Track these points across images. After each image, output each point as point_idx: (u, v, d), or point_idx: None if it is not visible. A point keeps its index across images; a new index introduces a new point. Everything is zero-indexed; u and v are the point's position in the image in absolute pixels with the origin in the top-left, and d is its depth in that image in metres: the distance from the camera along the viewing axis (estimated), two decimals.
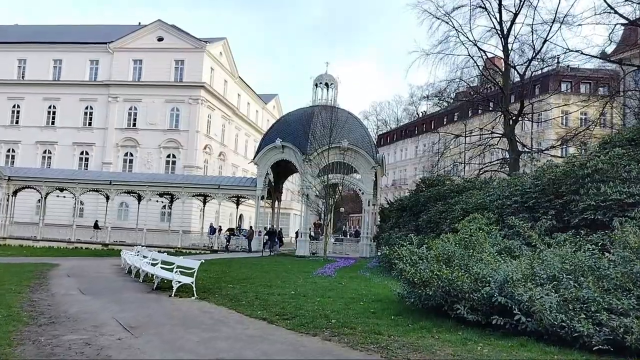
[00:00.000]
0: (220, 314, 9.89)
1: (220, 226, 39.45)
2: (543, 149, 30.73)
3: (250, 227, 39.03)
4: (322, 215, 33.09)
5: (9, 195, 40.62)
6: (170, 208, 44.04)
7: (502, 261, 10.01)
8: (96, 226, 41.11)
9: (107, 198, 39.90)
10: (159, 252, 35.91)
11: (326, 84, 38.45)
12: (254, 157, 37.61)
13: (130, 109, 53.93)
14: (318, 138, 32.51)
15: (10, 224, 41.50)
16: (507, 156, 30.19)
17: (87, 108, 54.95)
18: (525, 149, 30.14)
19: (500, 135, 30.24)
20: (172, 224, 43.35)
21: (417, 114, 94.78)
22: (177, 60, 53.77)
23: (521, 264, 9.16)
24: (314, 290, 13.30)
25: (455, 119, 65.47)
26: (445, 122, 73.17)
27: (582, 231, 11.48)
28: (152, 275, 13.81)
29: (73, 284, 14.04)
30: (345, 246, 38.24)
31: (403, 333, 8.31)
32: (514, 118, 29.47)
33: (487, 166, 29.67)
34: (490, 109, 32.22)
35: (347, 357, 6.96)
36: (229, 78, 60.35)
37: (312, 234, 40.29)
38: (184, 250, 36.36)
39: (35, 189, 40.85)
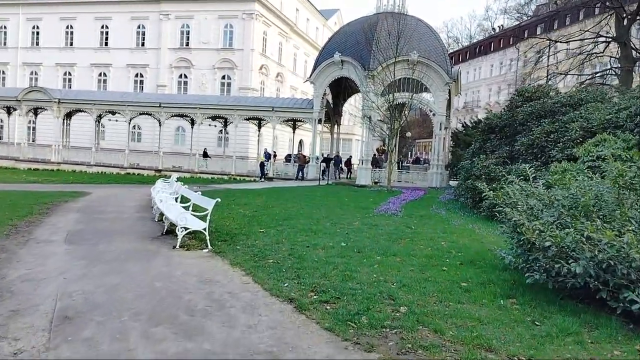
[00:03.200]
0: (226, 287, 6.47)
1: (274, 152, 36.29)
2: None
3: (300, 152, 35.56)
4: (387, 140, 29.01)
5: (61, 119, 39.18)
6: (226, 132, 41.30)
7: None
8: (205, 154, 38.78)
9: (159, 122, 37.49)
10: (212, 179, 34.27)
11: None
12: (310, 74, 33.47)
13: (183, 26, 50.49)
14: (382, 50, 27.79)
15: (66, 148, 40.38)
16: (616, 66, 24.42)
17: (139, 27, 52.05)
18: None
19: (610, 40, 24.33)
20: (228, 149, 40.79)
21: (492, 29, 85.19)
22: None
23: None
24: (374, 241, 9.68)
25: (538, 32, 57.30)
26: (526, 36, 64.85)
27: None
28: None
29: (71, 224, 11.17)
30: (411, 175, 34.19)
31: (533, 345, 4.57)
32: (629, 17, 23.42)
33: (591, 78, 24.10)
34: (597, 5, 25.90)
35: None
36: None
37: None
38: (238, 178, 33.88)
39: (85, 111, 39.12)
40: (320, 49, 33.82)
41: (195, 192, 11.30)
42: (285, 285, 6.46)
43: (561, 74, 24.41)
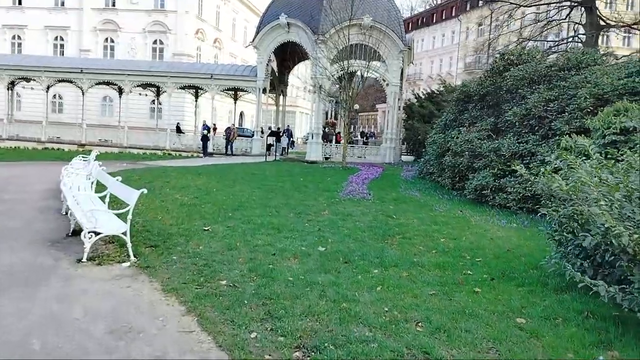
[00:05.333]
0: (154, 344, 3.92)
1: (215, 124, 33.05)
2: (631, 22, 23.39)
3: (232, 125, 32.59)
4: (340, 111, 26.70)
5: None
6: (159, 103, 37.48)
7: None
8: (179, 130, 34.65)
9: (82, 90, 33.22)
10: (143, 154, 30.72)
11: None
12: (253, 38, 30.34)
13: None
14: (335, 12, 25.16)
15: None
16: (582, 32, 23.14)
17: None
18: (608, 22, 22.87)
19: (576, 4, 22.92)
20: (162, 121, 37.03)
21: (433, 0, 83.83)
22: None
23: None
24: (357, 241, 7.36)
25: (481, 4, 56.02)
26: (468, 8, 63.90)
27: None
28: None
29: None
30: (361, 150, 31.93)
31: None
32: None
33: (556, 45, 22.65)
34: None
35: None
36: None
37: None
38: (173, 153, 30.54)
39: None
40: (264, 9, 30.68)
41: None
42: (253, 337, 4.00)
43: (526, 39, 22.81)
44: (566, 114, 10.15)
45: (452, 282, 5.49)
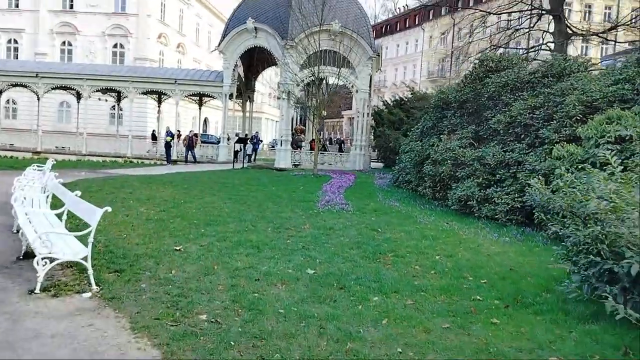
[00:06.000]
0: None
1: (179, 131, 31.85)
2: (600, 31, 23.66)
3: (191, 131, 31.80)
4: (311, 117, 26.07)
5: None
6: (120, 109, 35.99)
7: None
8: (154, 137, 33.14)
9: (37, 95, 31.51)
10: (103, 162, 29.32)
11: None
12: (219, 43, 29.44)
13: None
14: (304, 16, 24.57)
15: None
16: (550, 40, 23.29)
17: None
18: (576, 30, 23.05)
19: (544, 12, 23.04)
20: (123, 128, 35.57)
21: (397, 9, 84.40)
22: None
23: None
24: (348, 260, 6.71)
25: (443, 13, 56.54)
26: (431, 17, 64.37)
27: None
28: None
29: None
30: (331, 157, 31.33)
31: None
32: None
33: (526, 53, 22.63)
34: None
35: None
36: None
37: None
38: (135, 161, 29.26)
39: None
40: (231, 14, 29.81)
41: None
42: None
43: (496, 47, 22.72)
44: (554, 121, 9.78)
45: (463, 311, 4.88)
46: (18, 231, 7.73)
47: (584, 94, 9.67)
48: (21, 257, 6.57)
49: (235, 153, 25.70)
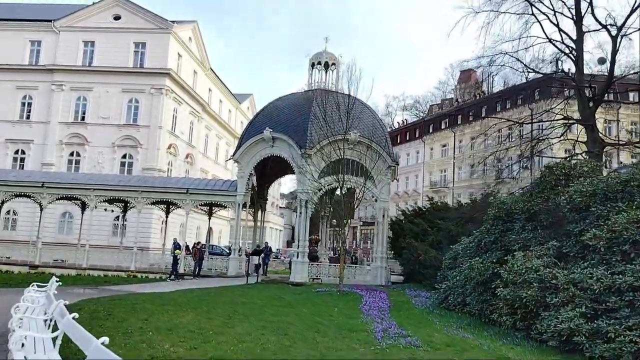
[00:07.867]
0: None
1: (186, 243, 30.11)
2: (635, 140, 23.02)
3: (198, 243, 30.32)
4: (327, 226, 24.57)
5: None
6: (124, 219, 34.57)
7: None
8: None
9: (41, 206, 30.22)
10: (105, 277, 27.18)
11: (325, 64, 30.07)
12: (234, 152, 28.78)
13: (79, 99, 44.26)
14: (324, 126, 24.06)
15: None
16: (584, 150, 22.55)
17: (24, 98, 44.94)
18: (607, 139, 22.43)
19: (574, 122, 22.53)
20: (126, 239, 33.91)
21: (392, 125, 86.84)
22: (138, 42, 44.54)
23: None
24: None
25: (459, 122, 57.60)
26: (457, 122, 64.69)
27: None
28: None
29: None
30: (349, 270, 29.00)
31: None
32: (596, 98, 21.82)
33: (565, 160, 21.78)
34: (556, 88, 24.34)
35: None
36: (199, 69, 51.31)
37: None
38: (139, 275, 27.20)
39: None
40: (247, 123, 29.53)
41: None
42: None
43: (533, 156, 21.92)
44: None
45: None
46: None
47: None
48: None
49: (256, 267, 23.95)
